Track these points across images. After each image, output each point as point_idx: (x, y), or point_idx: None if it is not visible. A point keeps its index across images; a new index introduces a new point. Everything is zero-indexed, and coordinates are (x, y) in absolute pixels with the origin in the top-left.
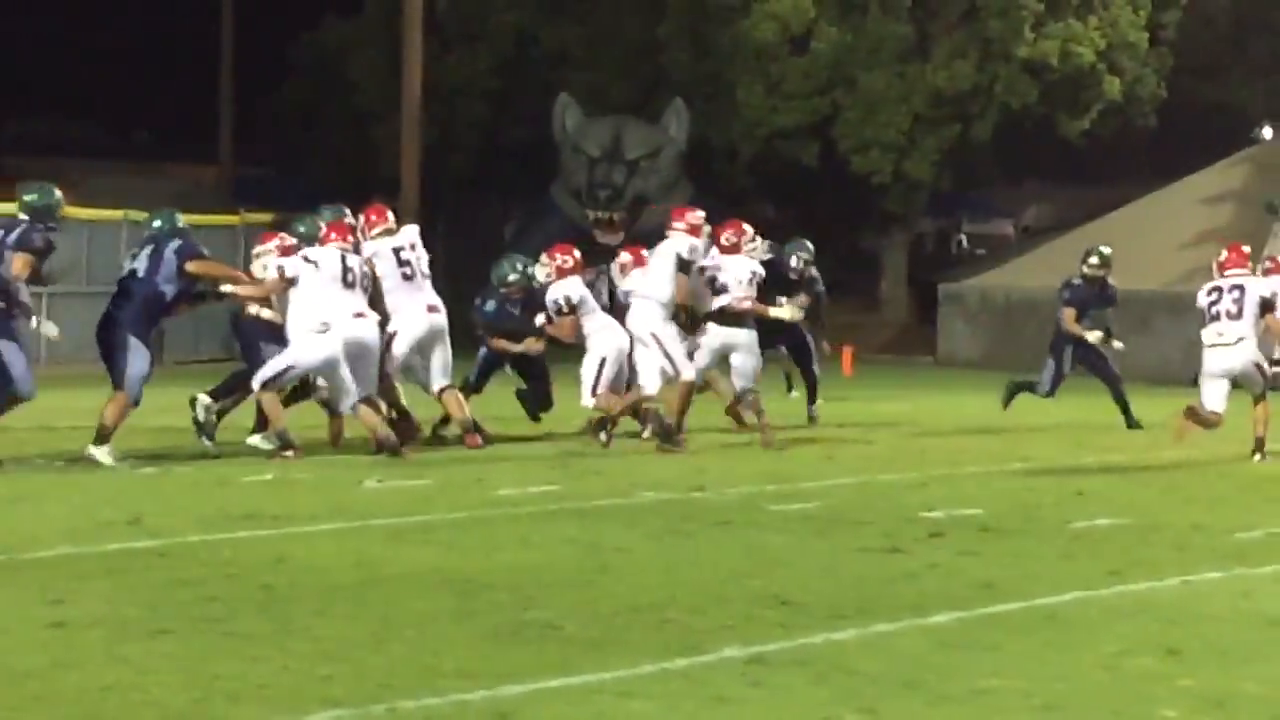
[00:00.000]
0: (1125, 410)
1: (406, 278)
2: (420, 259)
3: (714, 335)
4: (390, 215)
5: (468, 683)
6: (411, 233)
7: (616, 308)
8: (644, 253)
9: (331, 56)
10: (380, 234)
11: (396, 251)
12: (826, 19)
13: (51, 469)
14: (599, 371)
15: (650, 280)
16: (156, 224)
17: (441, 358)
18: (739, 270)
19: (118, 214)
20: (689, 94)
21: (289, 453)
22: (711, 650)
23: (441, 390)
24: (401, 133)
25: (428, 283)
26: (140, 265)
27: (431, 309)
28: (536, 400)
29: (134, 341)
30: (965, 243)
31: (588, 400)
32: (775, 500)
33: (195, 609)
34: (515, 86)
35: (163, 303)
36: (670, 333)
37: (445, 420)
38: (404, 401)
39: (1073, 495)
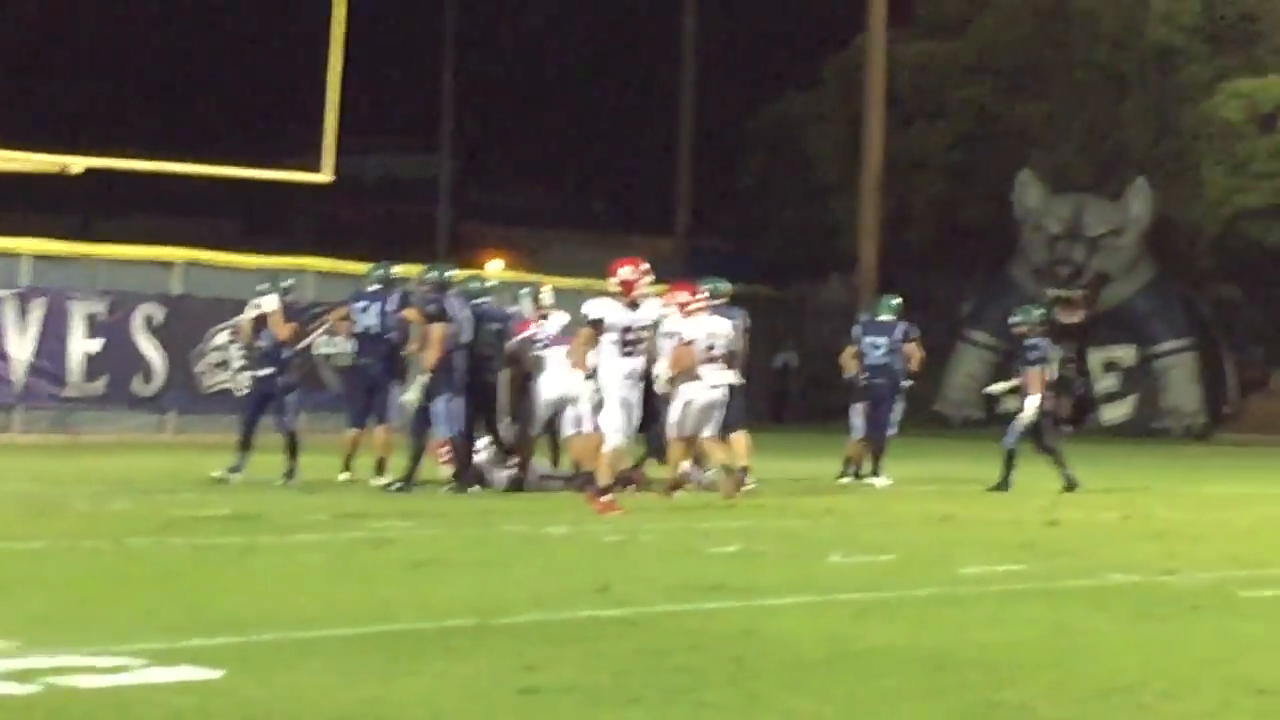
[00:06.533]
0: None
1: None
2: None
3: None
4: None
5: None
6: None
7: None
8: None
9: (789, 130)
10: None
11: None
12: None
13: (518, 535)
14: None
15: None
16: None
17: None
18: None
19: (578, 282)
20: (1150, 172)
21: None
22: None
23: None
24: (859, 207)
25: None
26: None
27: None
28: None
29: None
30: None
31: None
32: (1246, 586)
33: (665, 679)
34: (974, 163)
35: None
36: None
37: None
38: None
39: None
